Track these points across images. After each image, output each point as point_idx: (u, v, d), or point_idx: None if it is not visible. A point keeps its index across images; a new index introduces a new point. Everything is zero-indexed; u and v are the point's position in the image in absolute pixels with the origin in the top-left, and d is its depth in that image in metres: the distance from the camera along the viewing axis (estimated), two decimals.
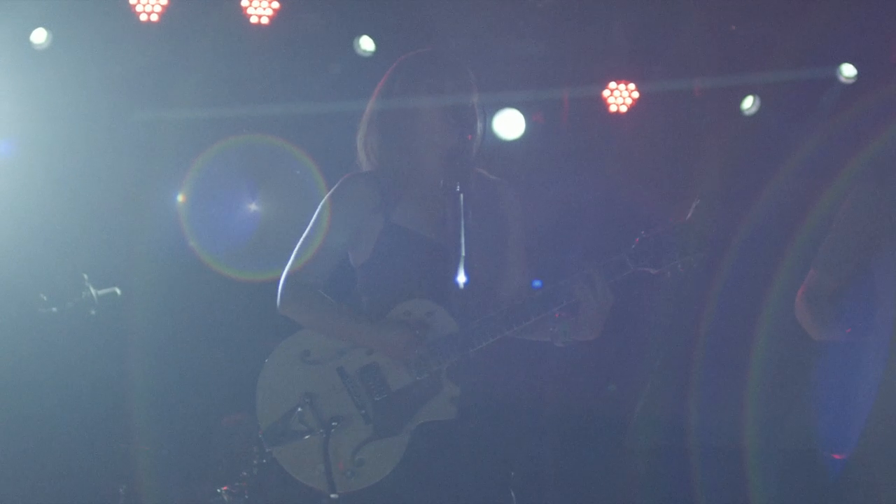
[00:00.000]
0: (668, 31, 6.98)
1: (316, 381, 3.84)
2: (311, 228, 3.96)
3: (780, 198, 6.70)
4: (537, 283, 4.33)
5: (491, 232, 3.95)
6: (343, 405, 3.81)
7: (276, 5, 6.78)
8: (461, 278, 3.52)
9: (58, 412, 6.63)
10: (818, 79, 7.04)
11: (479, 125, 3.94)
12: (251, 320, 6.62)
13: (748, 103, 7.22)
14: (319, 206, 3.97)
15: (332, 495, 3.76)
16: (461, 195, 3.58)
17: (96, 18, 6.70)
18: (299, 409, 3.81)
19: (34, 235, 6.69)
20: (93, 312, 6.13)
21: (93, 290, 6.13)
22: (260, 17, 6.79)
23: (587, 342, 3.89)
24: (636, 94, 7.22)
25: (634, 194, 6.98)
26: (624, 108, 7.24)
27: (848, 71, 7.00)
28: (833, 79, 7.01)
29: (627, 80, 7.22)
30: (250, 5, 6.76)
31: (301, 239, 3.96)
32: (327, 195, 3.99)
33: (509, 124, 7.20)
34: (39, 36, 6.66)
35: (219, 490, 5.98)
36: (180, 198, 7.17)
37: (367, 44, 6.98)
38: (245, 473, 6.01)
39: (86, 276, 6.15)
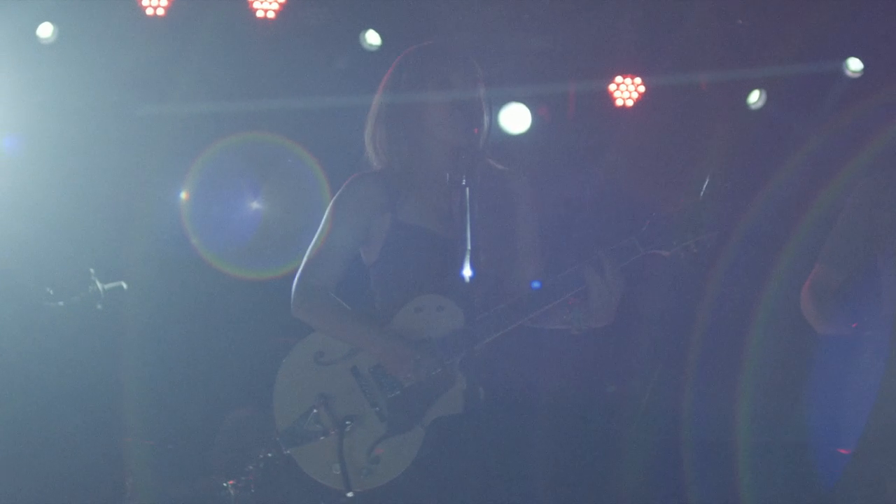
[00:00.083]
0: (674, 26, 6.97)
1: (330, 381, 3.85)
2: (321, 231, 3.97)
3: (785, 192, 6.69)
4: (536, 285, 4.31)
5: (499, 224, 3.94)
6: (357, 404, 3.82)
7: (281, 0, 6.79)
8: (467, 272, 3.52)
9: (64, 406, 6.63)
10: (824, 73, 7.03)
11: (486, 118, 3.93)
12: (258, 315, 6.63)
13: (754, 97, 7.21)
14: (328, 209, 3.98)
15: (349, 494, 3.76)
16: (467, 189, 3.58)
17: (102, 13, 6.70)
18: (314, 411, 3.82)
19: (40, 230, 6.68)
20: (99, 307, 6.12)
21: (99, 285, 6.12)
22: (266, 11, 6.78)
23: (599, 330, 3.86)
24: (642, 89, 7.20)
25: (640, 188, 6.97)
26: (630, 103, 7.22)
27: (854, 65, 6.99)
28: (839, 73, 7.00)
29: (633, 74, 7.20)
30: None
31: (312, 242, 3.97)
32: (334, 197, 3.99)
33: (515, 118, 7.18)
34: (46, 30, 6.66)
35: (225, 484, 5.99)
36: (183, 195, 7.17)
37: (373, 38, 6.97)
38: (251, 467, 6.01)
39: (92, 271, 6.14)
